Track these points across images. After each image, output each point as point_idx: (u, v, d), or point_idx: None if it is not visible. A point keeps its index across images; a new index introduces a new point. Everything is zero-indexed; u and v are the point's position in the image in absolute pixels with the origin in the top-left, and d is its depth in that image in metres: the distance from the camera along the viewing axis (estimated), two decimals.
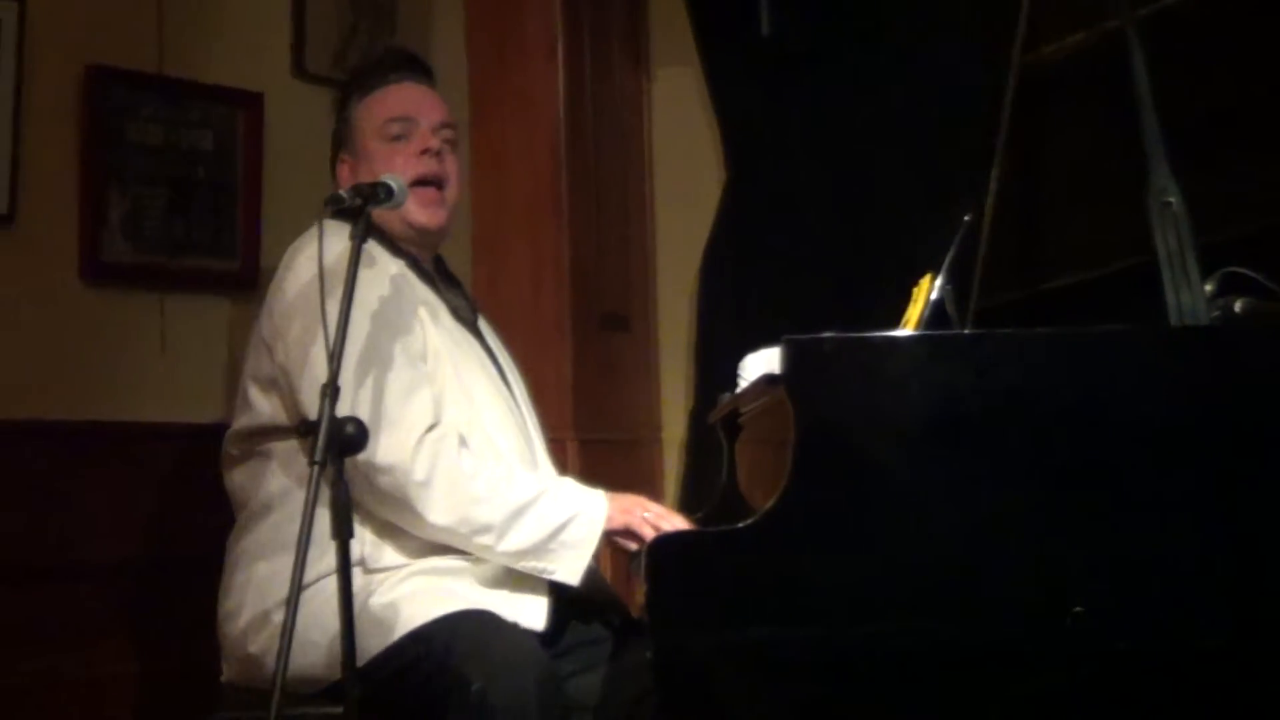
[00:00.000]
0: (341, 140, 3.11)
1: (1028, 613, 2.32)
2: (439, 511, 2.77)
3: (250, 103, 3.90)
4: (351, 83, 3.20)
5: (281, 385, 2.86)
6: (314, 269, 2.71)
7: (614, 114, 4.72)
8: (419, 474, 2.76)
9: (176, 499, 3.58)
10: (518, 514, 2.78)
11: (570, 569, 2.79)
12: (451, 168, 3.09)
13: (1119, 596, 2.32)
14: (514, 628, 2.74)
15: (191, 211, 3.78)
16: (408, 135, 3.04)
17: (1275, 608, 2.33)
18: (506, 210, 4.52)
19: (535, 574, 2.80)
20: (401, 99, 3.07)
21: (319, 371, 2.58)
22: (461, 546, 2.81)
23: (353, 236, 2.64)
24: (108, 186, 3.61)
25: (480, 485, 2.79)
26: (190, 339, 3.73)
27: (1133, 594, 2.33)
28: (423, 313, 2.93)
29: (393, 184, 2.78)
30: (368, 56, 4.14)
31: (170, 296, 3.71)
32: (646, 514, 2.82)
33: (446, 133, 3.08)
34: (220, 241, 3.83)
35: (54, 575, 3.40)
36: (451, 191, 3.08)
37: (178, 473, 3.59)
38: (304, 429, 2.45)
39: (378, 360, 2.79)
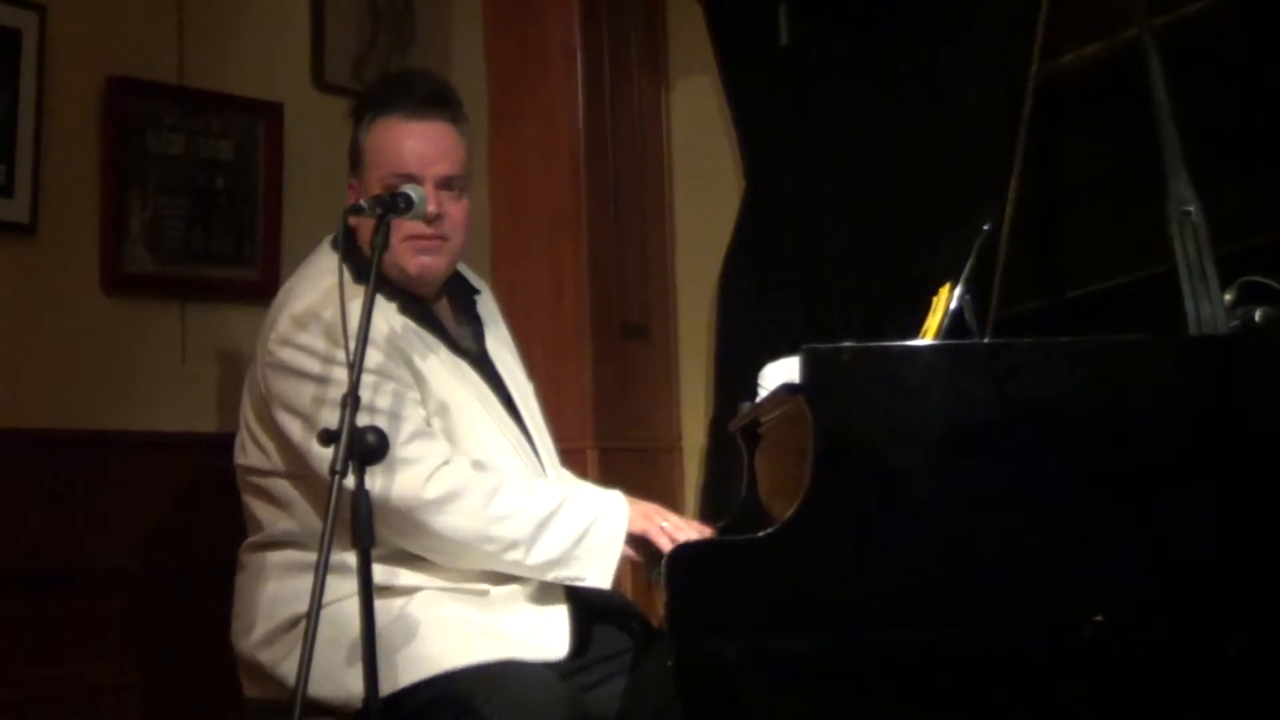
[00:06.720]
0: (354, 161, 3.01)
1: (1048, 620, 2.32)
2: (458, 530, 2.76)
3: (270, 113, 3.92)
4: (366, 102, 3.06)
5: (283, 437, 2.85)
6: (289, 323, 2.81)
7: (633, 123, 4.72)
8: (432, 495, 2.75)
9: (196, 508, 3.58)
10: (543, 525, 2.78)
11: (600, 572, 2.79)
12: (455, 220, 2.97)
13: (1140, 605, 2.32)
14: (536, 668, 2.74)
15: (212, 221, 3.80)
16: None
17: None
18: (526, 220, 4.54)
19: (566, 582, 2.80)
20: (411, 147, 2.92)
21: (318, 428, 2.58)
22: (488, 565, 2.81)
23: (373, 246, 2.67)
24: (128, 197, 3.62)
25: (503, 502, 2.79)
26: (211, 349, 3.74)
27: (1153, 603, 2.32)
28: (417, 355, 2.90)
29: (413, 194, 2.78)
30: (387, 69, 4.16)
31: (191, 306, 3.73)
32: (665, 524, 2.81)
33: (454, 182, 2.97)
34: (241, 251, 3.84)
35: (73, 583, 3.41)
36: (454, 241, 2.98)
37: (198, 482, 3.59)
38: (324, 438, 2.44)
39: (381, 408, 2.77)
